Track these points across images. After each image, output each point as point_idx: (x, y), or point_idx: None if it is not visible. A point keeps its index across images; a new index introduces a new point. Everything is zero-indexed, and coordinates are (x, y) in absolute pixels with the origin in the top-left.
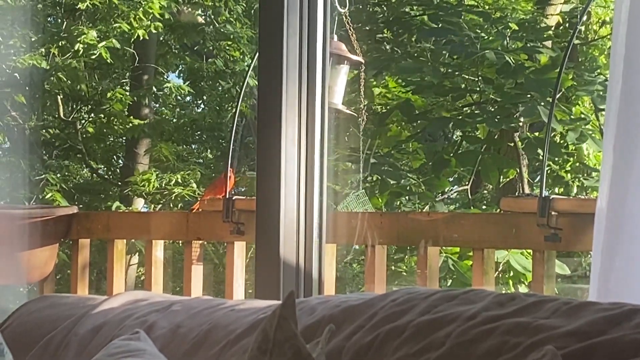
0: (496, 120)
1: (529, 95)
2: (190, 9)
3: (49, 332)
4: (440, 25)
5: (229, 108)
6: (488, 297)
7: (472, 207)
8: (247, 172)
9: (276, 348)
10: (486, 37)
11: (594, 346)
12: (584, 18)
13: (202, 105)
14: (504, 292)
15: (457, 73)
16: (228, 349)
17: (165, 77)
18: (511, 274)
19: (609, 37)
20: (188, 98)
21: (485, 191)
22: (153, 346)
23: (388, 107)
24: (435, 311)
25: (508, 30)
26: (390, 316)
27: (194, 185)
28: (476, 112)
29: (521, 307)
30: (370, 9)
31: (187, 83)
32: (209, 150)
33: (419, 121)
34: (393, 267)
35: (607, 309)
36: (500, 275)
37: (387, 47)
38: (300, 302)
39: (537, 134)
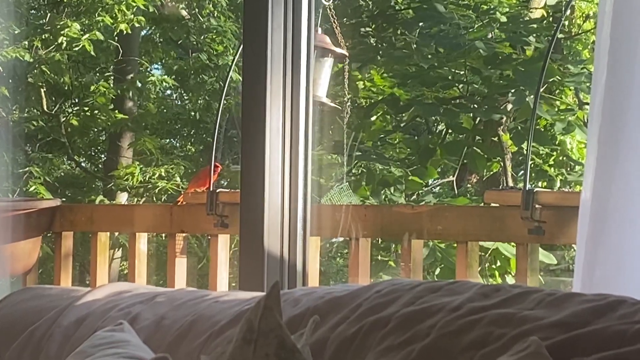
0: (483, 110)
1: (515, 88)
2: (173, 3)
3: (33, 323)
4: (426, 16)
5: (213, 102)
6: (473, 289)
7: (457, 199)
8: (230, 165)
9: (261, 338)
10: (473, 29)
11: (578, 337)
12: (568, 12)
13: (185, 99)
14: (488, 283)
15: (444, 66)
16: (212, 340)
17: (149, 70)
18: (497, 264)
19: (592, 31)
20: (169, 92)
21: (469, 185)
22: (137, 337)
23: (372, 101)
24: (420, 302)
25: (494, 23)
26: (375, 307)
27: (178, 179)
28: (463, 102)
29: (506, 298)
30: (355, 3)
31: (171, 77)
32: (191, 144)
33: (404, 113)
34: (378, 257)
35: (591, 300)
36: (486, 266)
37: (372, 40)
38: (285, 293)
39: (522, 125)
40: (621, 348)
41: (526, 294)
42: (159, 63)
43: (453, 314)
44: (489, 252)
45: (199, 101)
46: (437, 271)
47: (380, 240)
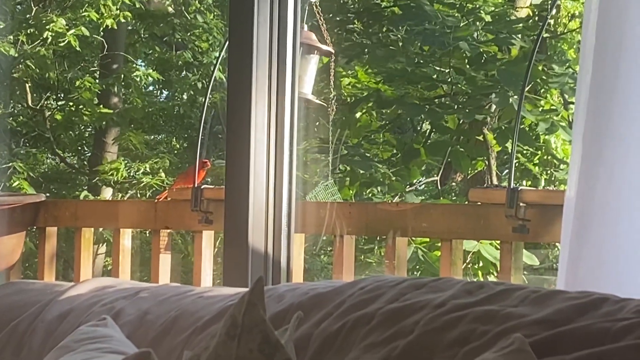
0: (467, 110)
1: (499, 88)
2: None
3: (16, 317)
4: (411, 14)
5: (199, 98)
6: (457, 286)
7: (441, 198)
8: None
9: (245, 333)
10: (458, 28)
11: (561, 334)
12: (554, 11)
13: (170, 95)
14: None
15: (429, 64)
16: (196, 336)
17: (134, 65)
18: (480, 264)
19: (578, 30)
20: (151, 88)
21: (453, 183)
22: (120, 332)
23: (358, 98)
24: (404, 299)
25: (479, 22)
26: (359, 304)
27: (163, 174)
28: (447, 102)
29: (490, 295)
30: (341, 0)
31: (155, 71)
32: (176, 140)
33: (389, 110)
34: (362, 257)
35: (575, 297)
36: (470, 266)
37: (357, 37)
38: (269, 289)
39: (506, 125)
40: (604, 345)
41: (510, 291)
42: (144, 60)
43: (437, 310)
44: (471, 254)
45: (184, 96)
46: (419, 274)
47: (363, 242)
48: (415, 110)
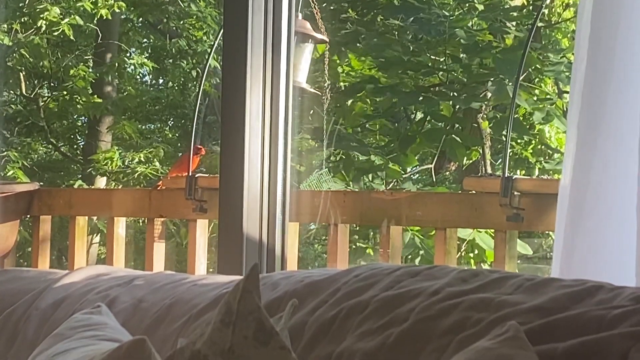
0: (462, 98)
1: (495, 76)
2: None
3: (9, 306)
4: (406, 2)
5: (192, 87)
6: (451, 273)
7: (436, 186)
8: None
9: (239, 320)
10: (453, 17)
11: (556, 322)
12: (547, 1)
13: (164, 83)
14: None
15: (424, 53)
16: (190, 323)
17: (129, 54)
18: (475, 252)
19: (572, 19)
20: (146, 78)
21: (447, 172)
22: (115, 320)
23: (352, 86)
24: (399, 287)
25: (474, 11)
26: (354, 291)
27: (157, 164)
28: (442, 90)
29: (484, 283)
30: None
31: (149, 60)
32: (170, 128)
33: (384, 98)
34: (356, 245)
35: (569, 285)
36: (463, 254)
37: (352, 26)
38: (264, 277)
39: (501, 114)
40: (599, 333)
41: (504, 279)
42: (137, 48)
43: (431, 298)
44: (466, 242)
45: (175, 85)
46: (418, 260)
47: (358, 229)
48: (410, 98)
